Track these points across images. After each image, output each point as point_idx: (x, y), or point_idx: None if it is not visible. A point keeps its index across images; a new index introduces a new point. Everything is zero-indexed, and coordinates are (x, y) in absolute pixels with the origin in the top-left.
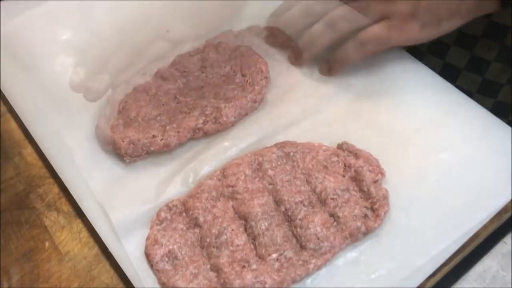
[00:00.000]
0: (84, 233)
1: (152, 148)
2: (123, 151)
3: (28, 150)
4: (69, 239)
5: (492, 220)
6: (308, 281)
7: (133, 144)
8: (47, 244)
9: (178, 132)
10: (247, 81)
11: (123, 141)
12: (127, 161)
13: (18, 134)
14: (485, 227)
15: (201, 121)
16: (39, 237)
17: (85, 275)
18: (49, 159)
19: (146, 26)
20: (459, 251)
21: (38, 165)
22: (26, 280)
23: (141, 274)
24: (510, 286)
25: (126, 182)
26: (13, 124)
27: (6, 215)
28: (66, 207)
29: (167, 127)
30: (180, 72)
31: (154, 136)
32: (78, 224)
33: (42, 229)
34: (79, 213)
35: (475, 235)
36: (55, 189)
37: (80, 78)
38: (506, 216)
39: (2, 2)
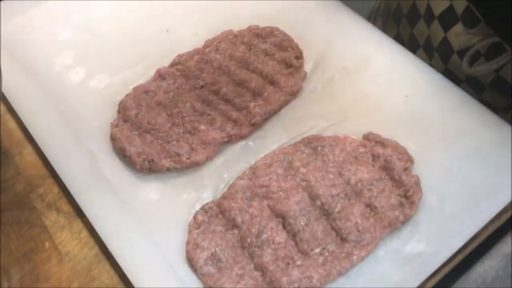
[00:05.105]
0: (84, 233)
1: (179, 166)
2: (138, 167)
3: (28, 150)
4: (69, 239)
5: (492, 221)
6: (352, 273)
7: (153, 161)
8: (47, 244)
9: (204, 148)
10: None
11: (139, 157)
12: (144, 175)
13: (18, 134)
14: (485, 227)
15: (229, 128)
16: (39, 237)
17: (85, 275)
18: (49, 159)
19: (146, 26)
20: (459, 251)
21: (38, 165)
22: (26, 280)
23: (185, 279)
24: (510, 287)
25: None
26: (13, 124)
27: (6, 215)
28: (66, 207)
29: (193, 145)
30: (180, 72)
31: (179, 155)
32: (78, 224)
33: (42, 229)
34: (79, 213)
35: (475, 236)
36: (55, 189)
37: (80, 78)
38: (506, 216)
39: (2, 2)
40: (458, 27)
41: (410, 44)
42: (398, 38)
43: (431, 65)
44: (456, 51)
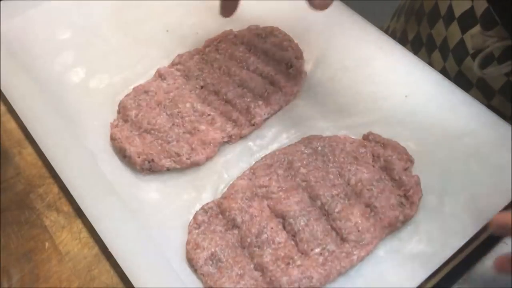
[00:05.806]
0: (84, 233)
1: (179, 166)
2: (138, 168)
3: (28, 150)
4: (69, 239)
5: None
6: (352, 273)
7: (153, 161)
8: (47, 244)
9: (204, 148)
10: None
11: (139, 157)
12: (144, 175)
13: (18, 134)
14: (485, 227)
15: (229, 128)
16: (39, 237)
17: (85, 275)
18: (49, 159)
19: (146, 26)
20: (459, 251)
21: (38, 165)
22: (26, 280)
23: (185, 279)
24: (510, 287)
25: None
26: (13, 124)
27: (6, 215)
28: (66, 207)
29: (193, 145)
30: (180, 72)
31: (179, 155)
32: (78, 224)
33: (42, 229)
34: (79, 213)
35: (475, 236)
36: (55, 189)
37: (80, 78)
38: None
39: (2, 2)
40: (476, 29)
41: (428, 44)
42: (418, 38)
43: (444, 67)
44: (471, 53)
